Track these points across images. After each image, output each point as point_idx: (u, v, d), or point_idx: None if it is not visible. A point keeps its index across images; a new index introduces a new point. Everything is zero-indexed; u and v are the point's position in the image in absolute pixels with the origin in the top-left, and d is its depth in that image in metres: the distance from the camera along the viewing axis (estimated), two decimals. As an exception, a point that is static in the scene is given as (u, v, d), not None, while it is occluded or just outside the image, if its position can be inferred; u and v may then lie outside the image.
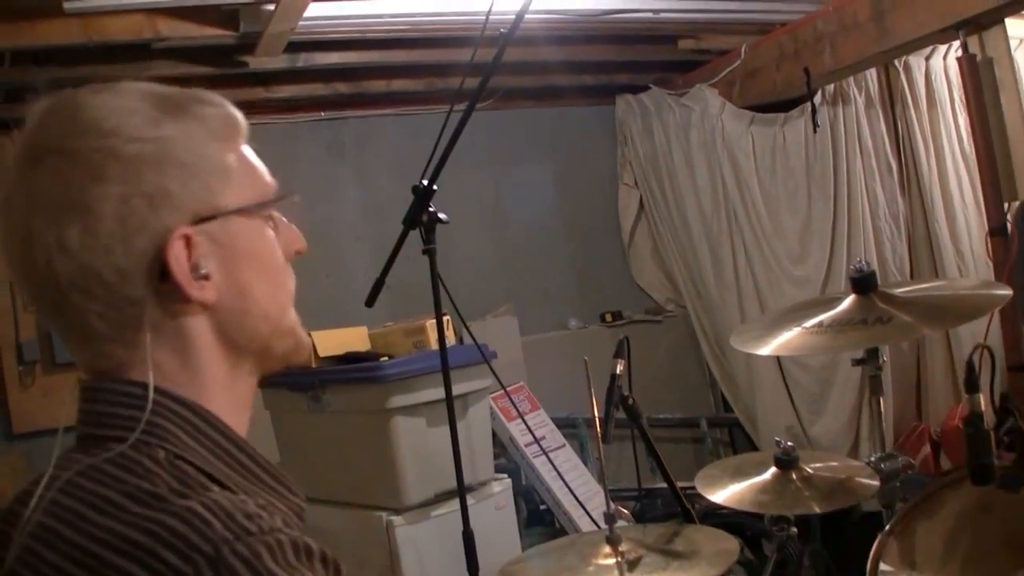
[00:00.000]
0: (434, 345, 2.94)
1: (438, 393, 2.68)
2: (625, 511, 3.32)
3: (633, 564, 2.06)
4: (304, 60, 4.11)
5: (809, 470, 2.35)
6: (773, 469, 2.36)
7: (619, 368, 2.36)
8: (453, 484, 2.60)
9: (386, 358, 3.02)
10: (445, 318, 2.59)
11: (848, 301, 2.23)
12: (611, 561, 2.08)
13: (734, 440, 5.21)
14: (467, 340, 3.03)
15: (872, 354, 2.24)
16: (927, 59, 4.36)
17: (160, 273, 0.90)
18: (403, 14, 3.84)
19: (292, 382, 3.16)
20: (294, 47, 3.93)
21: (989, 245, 3.82)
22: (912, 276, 4.43)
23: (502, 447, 3.62)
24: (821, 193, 4.49)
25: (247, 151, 1.00)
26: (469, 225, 4.85)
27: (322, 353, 3.10)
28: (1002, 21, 3.62)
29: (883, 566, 1.92)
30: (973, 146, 3.98)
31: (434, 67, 4.50)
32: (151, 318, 0.90)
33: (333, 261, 4.61)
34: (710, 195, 4.92)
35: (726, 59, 4.80)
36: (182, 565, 0.76)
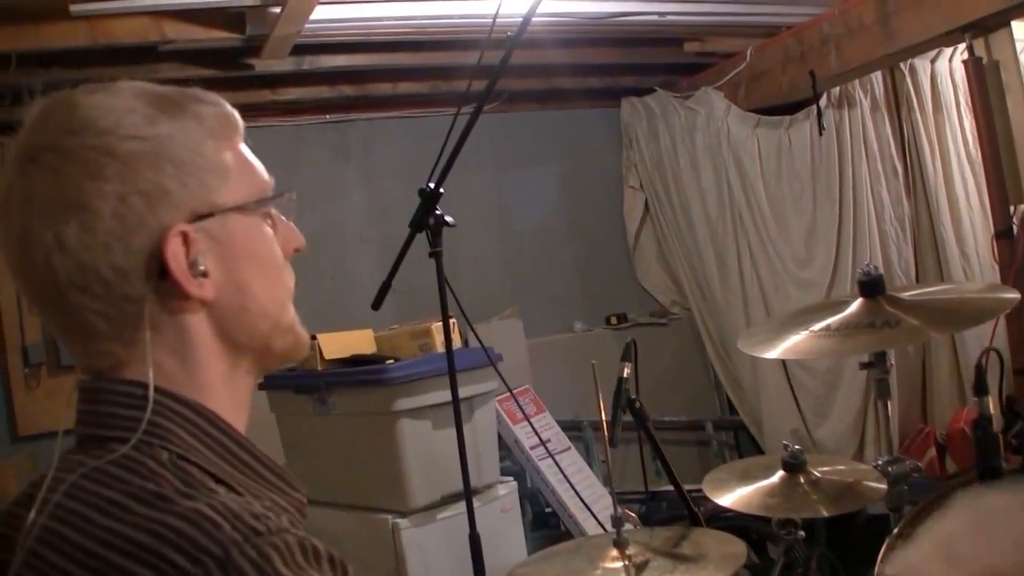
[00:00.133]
0: (440, 348, 2.94)
1: (444, 396, 2.68)
2: (632, 514, 3.32)
3: (640, 568, 2.06)
4: (310, 63, 4.12)
5: (817, 474, 2.35)
6: (781, 472, 2.36)
7: (626, 371, 2.36)
8: (459, 487, 2.60)
9: (392, 361, 3.02)
10: (451, 321, 2.58)
11: (856, 305, 2.22)
12: (618, 565, 2.08)
13: (739, 443, 5.21)
14: (472, 343, 3.03)
15: (879, 358, 2.23)
16: (933, 62, 4.36)
17: (159, 271, 0.89)
18: (408, 17, 3.84)
19: (298, 384, 3.16)
20: (300, 50, 3.93)
21: (995, 248, 3.81)
22: (917, 279, 4.42)
23: (507, 450, 3.62)
24: (826, 196, 4.48)
25: (244, 149, 1.00)
26: (474, 228, 4.84)
27: (328, 356, 3.10)
28: (1008, 24, 3.62)
29: (890, 569, 1.91)
30: (979, 149, 3.98)
31: (439, 70, 4.50)
32: (150, 316, 0.90)
33: (338, 263, 4.61)
34: (715, 198, 4.91)
35: (731, 62, 4.80)
36: (190, 567, 0.76)
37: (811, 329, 2.20)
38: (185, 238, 0.90)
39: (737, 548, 2.09)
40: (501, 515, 3.11)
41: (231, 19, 3.59)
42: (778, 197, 4.67)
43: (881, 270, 2.27)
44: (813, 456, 2.42)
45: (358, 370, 3.06)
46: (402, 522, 2.87)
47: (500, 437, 3.45)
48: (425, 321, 3.12)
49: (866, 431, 4.40)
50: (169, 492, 0.82)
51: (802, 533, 2.38)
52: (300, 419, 3.22)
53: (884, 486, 2.21)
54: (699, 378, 5.29)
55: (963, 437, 3.86)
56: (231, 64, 3.92)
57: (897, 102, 4.44)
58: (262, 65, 3.94)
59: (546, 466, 3.52)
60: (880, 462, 2.22)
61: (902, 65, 4.32)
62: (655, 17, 4.20)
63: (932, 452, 4.10)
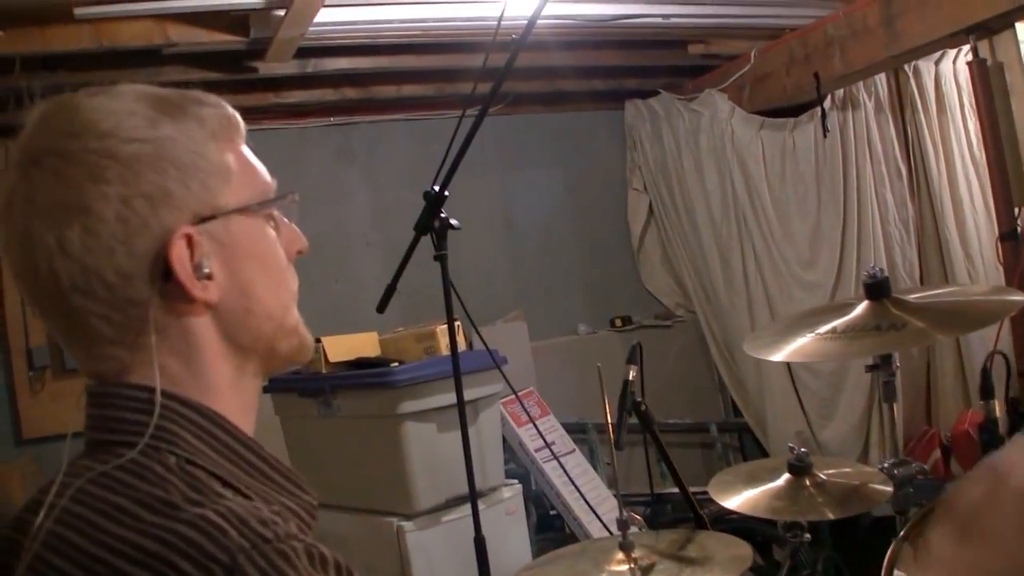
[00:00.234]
0: (444, 351, 2.94)
1: (449, 399, 2.68)
2: (637, 517, 3.31)
3: (647, 571, 2.05)
4: (314, 65, 4.12)
5: (822, 476, 2.34)
6: (787, 475, 2.35)
7: (632, 374, 2.36)
8: (463, 489, 2.59)
9: (396, 364, 3.02)
10: (456, 324, 2.58)
11: (861, 307, 2.22)
12: (624, 568, 2.08)
13: (743, 445, 5.21)
14: (477, 345, 3.03)
15: (885, 360, 2.23)
16: (937, 63, 4.35)
17: (163, 273, 0.89)
18: (413, 20, 3.84)
19: (302, 387, 3.16)
20: (304, 52, 3.94)
21: (999, 250, 3.80)
22: (922, 281, 4.42)
23: (512, 452, 3.61)
24: (831, 198, 4.48)
25: (246, 151, 1.00)
26: (478, 230, 4.84)
27: (332, 358, 3.10)
28: (1012, 26, 3.61)
29: (897, 572, 1.91)
30: (983, 151, 3.97)
31: (444, 72, 4.51)
32: (154, 319, 0.90)
33: (343, 266, 4.62)
34: (720, 200, 4.91)
35: (736, 64, 4.79)
36: (197, 574, 0.76)
37: (817, 332, 2.20)
38: (189, 240, 0.90)
39: (743, 551, 2.09)
40: (506, 518, 3.11)
41: (235, 22, 3.59)
42: (782, 199, 4.67)
43: (886, 272, 2.27)
44: (818, 459, 2.41)
45: (363, 373, 3.06)
46: (407, 525, 2.87)
47: (504, 440, 3.45)
48: (430, 324, 3.12)
49: (870, 433, 4.40)
50: (176, 498, 0.82)
51: (808, 536, 2.37)
52: (305, 422, 3.22)
53: (890, 489, 2.21)
54: (703, 380, 5.28)
55: (968, 439, 3.86)
56: (235, 67, 3.93)
57: (901, 104, 4.44)
58: (266, 68, 3.95)
59: (551, 468, 3.52)
60: (886, 464, 2.22)
61: (906, 67, 4.32)
62: (659, 19, 4.19)
63: (937, 454, 4.10)
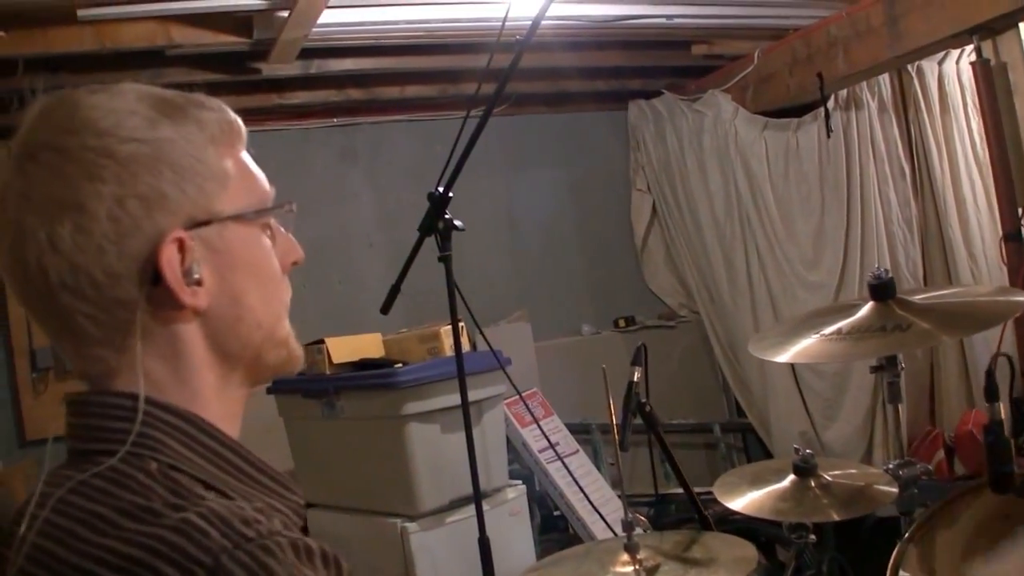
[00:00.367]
0: (448, 352, 2.94)
1: (452, 399, 2.68)
2: (642, 518, 3.31)
3: (651, 572, 2.06)
4: (317, 66, 4.12)
5: (827, 477, 2.34)
6: (791, 476, 2.35)
7: (636, 375, 2.35)
8: (468, 490, 2.60)
9: (400, 365, 3.02)
10: (460, 324, 2.58)
11: (866, 308, 2.22)
12: (629, 569, 2.08)
13: (747, 446, 5.20)
14: (481, 346, 3.02)
15: (890, 361, 2.22)
16: (940, 64, 4.35)
17: (152, 277, 0.88)
18: (417, 21, 3.84)
19: (306, 388, 3.16)
20: (307, 54, 3.93)
21: (1003, 250, 3.80)
22: (925, 281, 4.42)
23: (516, 453, 3.61)
24: (834, 198, 4.48)
25: (246, 157, 0.99)
26: (481, 231, 4.84)
27: (336, 360, 3.10)
28: (1016, 26, 3.62)
29: (902, 574, 1.91)
30: (986, 151, 3.97)
31: (447, 73, 4.51)
32: (141, 322, 0.89)
33: (346, 267, 4.62)
34: (723, 200, 4.91)
35: (739, 64, 4.79)
36: None
37: (822, 333, 2.20)
38: (181, 245, 0.89)
39: (748, 552, 2.09)
40: (510, 519, 3.11)
41: (238, 23, 3.59)
42: (786, 199, 4.66)
43: (891, 273, 2.27)
44: (823, 460, 2.41)
45: (367, 374, 3.06)
46: (411, 526, 2.87)
47: (508, 440, 3.45)
48: (434, 324, 3.12)
49: (874, 433, 4.40)
50: (158, 505, 0.81)
51: (813, 537, 2.37)
52: (309, 423, 3.22)
53: (895, 490, 2.20)
54: (707, 380, 5.28)
55: (972, 439, 3.86)
56: (238, 68, 3.93)
57: (904, 104, 4.44)
58: (269, 69, 3.95)
59: (555, 469, 3.51)
60: (891, 465, 2.22)
61: (909, 67, 4.32)
62: (662, 20, 4.19)
63: (940, 454, 4.10)
